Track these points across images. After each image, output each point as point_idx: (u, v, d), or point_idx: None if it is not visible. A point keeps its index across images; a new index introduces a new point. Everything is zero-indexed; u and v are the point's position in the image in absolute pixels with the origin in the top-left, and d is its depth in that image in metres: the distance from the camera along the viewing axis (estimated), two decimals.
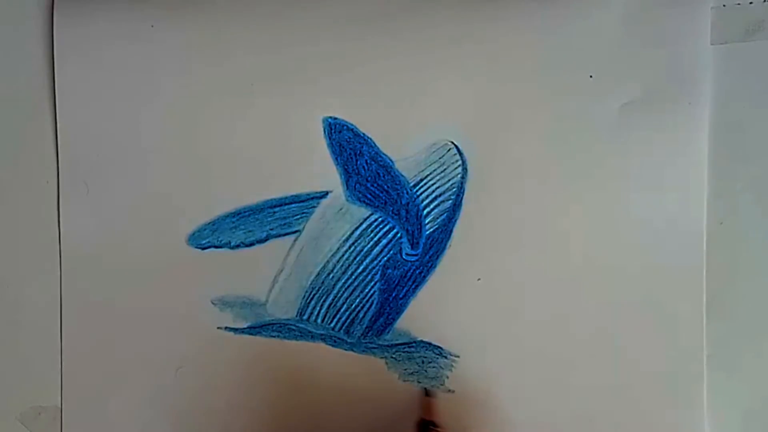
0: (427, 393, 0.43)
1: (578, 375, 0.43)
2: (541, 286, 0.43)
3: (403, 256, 0.44)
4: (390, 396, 0.44)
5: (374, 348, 0.44)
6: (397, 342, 0.44)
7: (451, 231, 0.43)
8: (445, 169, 0.43)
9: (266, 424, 0.44)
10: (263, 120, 0.44)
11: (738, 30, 0.42)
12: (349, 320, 0.44)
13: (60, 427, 0.45)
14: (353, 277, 0.44)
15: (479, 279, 0.43)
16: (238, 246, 0.44)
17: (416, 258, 0.43)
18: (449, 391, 0.43)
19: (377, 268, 0.44)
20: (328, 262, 0.44)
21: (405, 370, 0.43)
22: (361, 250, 0.44)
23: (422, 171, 0.43)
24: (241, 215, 0.44)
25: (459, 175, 0.43)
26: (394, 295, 0.44)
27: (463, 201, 0.43)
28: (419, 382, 0.43)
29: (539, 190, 0.43)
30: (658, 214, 0.42)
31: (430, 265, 0.43)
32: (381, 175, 0.44)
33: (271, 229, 0.44)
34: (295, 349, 0.44)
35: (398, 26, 0.43)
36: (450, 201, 0.43)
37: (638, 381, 0.42)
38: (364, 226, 0.44)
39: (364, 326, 0.44)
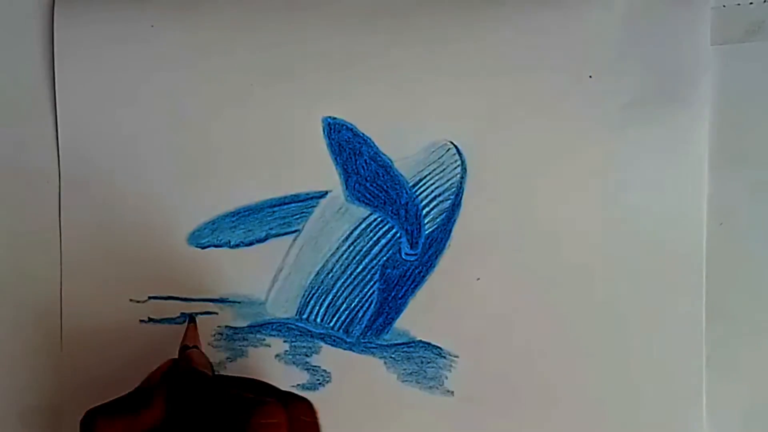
0: (190, 320, 0.43)
1: (577, 375, 0.43)
2: (541, 285, 0.43)
3: (403, 256, 0.44)
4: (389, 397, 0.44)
5: (373, 348, 0.44)
6: (396, 342, 0.44)
7: (450, 231, 0.43)
8: (444, 169, 0.43)
9: None
10: (263, 120, 0.44)
11: (738, 30, 0.42)
12: (348, 320, 0.44)
13: (60, 426, 0.45)
14: (352, 276, 0.44)
15: (478, 279, 0.43)
16: (237, 245, 0.44)
17: (415, 258, 0.43)
18: (448, 391, 0.43)
19: (376, 267, 0.44)
20: (327, 261, 0.44)
21: (404, 370, 0.43)
22: (361, 250, 0.44)
23: (421, 171, 0.43)
24: (241, 215, 0.44)
25: (458, 175, 0.43)
26: (393, 294, 0.44)
27: (463, 201, 0.43)
28: (418, 383, 0.43)
29: (538, 190, 0.43)
30: (657, 214, 0.42)
31: (429, 264, 0.43)
32: (380, 174, 0.44)
33: (271, 229, 0.44)
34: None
35: (398, 26, 0.43)
36: (449, 201, 0.43)
37: (638, 381, 0.42)
38: (363, 225, 0.44)
39: (363, 326, 0.44)
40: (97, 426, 0.34)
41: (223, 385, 0.37)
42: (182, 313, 0.45)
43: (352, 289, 0.44)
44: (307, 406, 0.36)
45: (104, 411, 0.35)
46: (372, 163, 0.44)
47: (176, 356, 0.40)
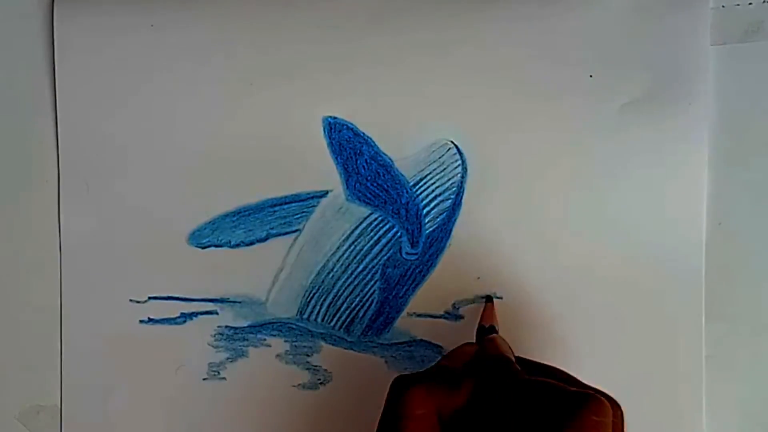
0: (488, 299, 0.43)
1: (576, 374, 0.43)
2: (540, 285, 0.43)
3: (403, 255, 0.44)
4: None
5: (374, 347, 0.44)
6: (396, 341, 0.44)
7: (450, 230, 0.43)
8: (444, 169, 0.43)
9: (268, 422, 0.44)
10: (263, 119, 0.44)
11: (737, 31, 0.42)
12: (349, 319, 0.44)
13: (59, 426, 0.45)
14: (353, 276, 0.44)
15: (478, 278, 0.43)
16: (238, 245, 0.44)
17: (416, 257, 0.43)
18: None
19: (377, 267, 0.44)
20: (328, 261, 0.44)
21: (405, 369, 0.43)
22: (361, 249, 0.44)
23: (422, 170, 0.44)
24: (241, 214, 0.44)
25: (459, 175, 0.43)
26: (394, 293, 0.44)
27: (463, 200, 0.43)
28: None
29: (538, 189, 0.43)
30: (657, 214, 0.42)
31: (429, 264, 0.43)
32: (381, 174, 0.44)
33: (271, 228, 0.44)
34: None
35: (398, 26, 0.43)
36: (450, 200, 0.43)
37: (637, 381, 0.42)
38: (363, 225, 0.44)
39: (364, 325, 0.44)
40: (413, 393, 0.32)
41: (534, 373, 0.34)
42: (182, 313, 0.45)
43: (353, 289, 0.44)
44: (621, 413, 0.33)
45: (419, 379, 0.33)
46: (372, 162, 0.44)
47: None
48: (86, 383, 0.45)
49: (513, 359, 0.35)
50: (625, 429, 0.33)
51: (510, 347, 0.37)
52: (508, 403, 0.32)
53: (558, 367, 0.36)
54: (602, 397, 0.31)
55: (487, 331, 0.40)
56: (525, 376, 0.33)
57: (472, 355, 0.36)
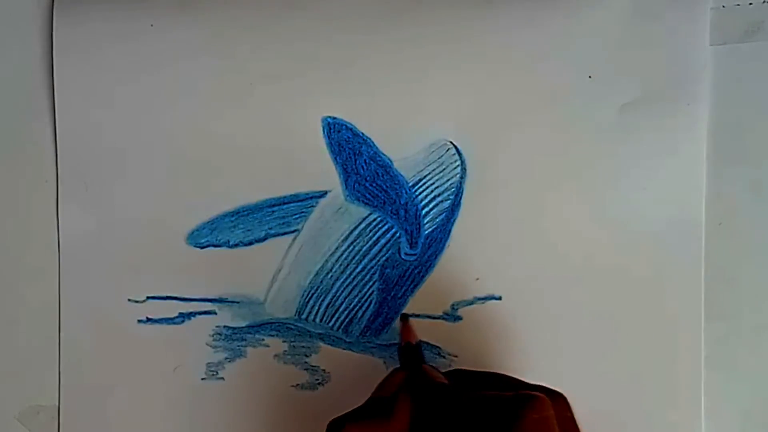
0: (404, 318, 0.42)
1: (576, 375, 0.43)
2: (540, 286, 0.43)
3: (402, 256, 0.44)
4: None
5: (372, 347, 0.44)
6: (395, 341, 0.44)
7: (449, 231, 0.43)
8: (444, 169, 0.43)
9: (266, 422, 0.44)
10: (262, 119, 0.44)
11: (737, 31, 0.42)
12: (347, 320, 0.44)
13: (58, 426, 0.45)
14: (352, 276, 0.44)
15: (477, 279, 0.43)
16: (236, 245, 0.44)
17: (415, 258, 0.43)
18: None
19: (376, 267, 0.44)
20: (326, 261, 0.44)
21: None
22: (360, 250, 0.44)
23: (421, 171, 0.43)
24: (240, 214, 0.44)
25: (458, 175, 0.43)
26: (392, 294, 0.44)
27: (462, 201, 0.43)
28: None
29: (538, 190, 0.43)
30: (657, 214, 0.42)
31: (428, 264, 0.43)
32: (380, 174, 0.44)
33: (270, 229, 0.44)
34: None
35: (397, 26, 0.43)
36: (449, 201, 0.43)
37: (636, 381, 0.42)
38: (362, 225, 0.44)
39: (363, 325, 0.44)
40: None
41: (471, 388, 0.35)
42: (180, 313, 0.44)
43: (352, 289, 0.44)
44: (564, 400, 0.34)
45: (352, 418, 0.34)
46: (372, 162, 0.44)
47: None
48: (85, 383, 0.45)
49: (446, 382, 0.35)
50: (574, 414, 0.33)
51: (439, 371, 0.37)
52: (451, 426, 0.32)
53: (499, 372, 0.37)
54: (539, 393, 0.32)
55: (412, 349, 0.39)
56: (462, 395, 0.33)
57: (402, 383, 0.36)
